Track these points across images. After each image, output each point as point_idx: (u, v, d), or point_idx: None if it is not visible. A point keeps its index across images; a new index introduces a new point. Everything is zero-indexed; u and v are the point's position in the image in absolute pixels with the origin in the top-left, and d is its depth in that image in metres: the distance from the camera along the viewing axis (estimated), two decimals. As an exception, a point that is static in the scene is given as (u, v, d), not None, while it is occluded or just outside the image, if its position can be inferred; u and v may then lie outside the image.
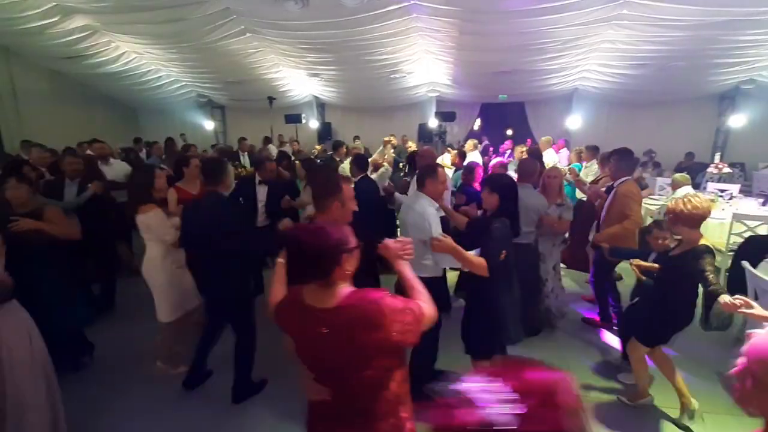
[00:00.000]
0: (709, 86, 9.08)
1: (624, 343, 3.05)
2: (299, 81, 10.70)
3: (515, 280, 2.51)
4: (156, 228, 2.85)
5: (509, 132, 13.41)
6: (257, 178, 4.32)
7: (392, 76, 9.59)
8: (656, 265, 2.75)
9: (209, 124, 12.49)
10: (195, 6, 6.77)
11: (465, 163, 5.50)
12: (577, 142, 9.10)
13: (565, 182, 5.06)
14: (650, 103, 10.06)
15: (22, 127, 8.91)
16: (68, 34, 7.75)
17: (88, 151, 5.97)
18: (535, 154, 6.29)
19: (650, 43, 7.05)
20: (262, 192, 4.27)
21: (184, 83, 11.06)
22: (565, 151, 8.02)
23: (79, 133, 9.02)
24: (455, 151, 6.62)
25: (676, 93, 9.48)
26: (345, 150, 7.24)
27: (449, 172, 5.36)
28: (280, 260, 1.55)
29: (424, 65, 9.15)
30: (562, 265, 3.96)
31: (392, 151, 7.05)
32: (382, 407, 1.34)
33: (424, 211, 2.53)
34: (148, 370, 3.18)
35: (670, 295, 2.45)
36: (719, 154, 9.15)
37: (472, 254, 2.21)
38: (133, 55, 9.23)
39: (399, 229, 3.17)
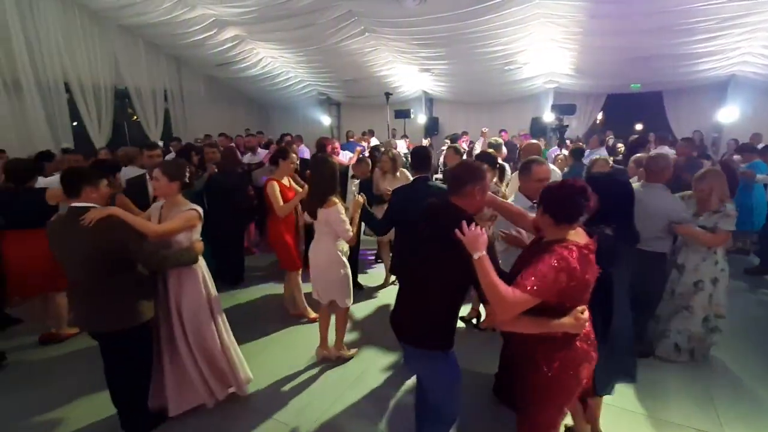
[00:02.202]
0: None
1: None
2: (410, 77, 10.95)
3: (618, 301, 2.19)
4: (335, 223, 2.89)
5: (638, 126, 11.88)
6: (350, 172, 4.50)
7: (506, 68, 9.23)
8: None
9: (326, 120, 13.56)
10: (322, 11, 7.42)
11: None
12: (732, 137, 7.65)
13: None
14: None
15: (186, 123, 10.87)
16: (222, 44, 9.16)
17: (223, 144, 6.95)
18: (578, 154, 5.51)
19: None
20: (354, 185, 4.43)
21: (307, 83, 12.20)
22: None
23: (225, 128, 10.62)
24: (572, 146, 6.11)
25: None
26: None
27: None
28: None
29: (543, 55, 8.60)
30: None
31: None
32: None
33: None
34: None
35: None
36: None
37: None
38: (269, 60, 10.50)
39: None
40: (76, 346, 3.55)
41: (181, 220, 2.38)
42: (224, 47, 9.28)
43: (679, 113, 9.93)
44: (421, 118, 12.29)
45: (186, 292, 2.48)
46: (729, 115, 8.71)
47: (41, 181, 3.67)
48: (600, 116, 11.39)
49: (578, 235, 1.67)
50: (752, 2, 5.64)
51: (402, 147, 9.28)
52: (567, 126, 6.77)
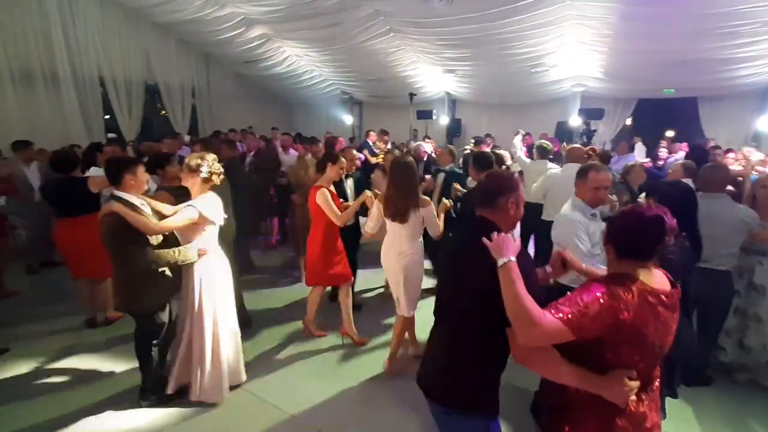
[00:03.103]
0: None
1: None
2: (434, 78, 10.88)
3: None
4: (431, 219, 2.85)
5: (670, 133, 11.45)
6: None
7: (533, 70, 9.04)
8: None
9: (348, 119, 13.61)
10: (349, 11, 7.46)
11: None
12: (772, 147, 7.28)
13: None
14: None
15: (212, 119, 11.13)
16: (249, 42, 9.34)
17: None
18: (604, 160, 5.02)
19: None
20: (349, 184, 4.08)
21: (331, 82, 12.29)
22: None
23: (250, 124, 10.80)
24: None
25: None
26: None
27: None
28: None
29: (572, 57, 8.39)
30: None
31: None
32: None
33: (565, 216, 2.36)
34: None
35: None
36: None
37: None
38: (295, 58, 10.64)
39: None
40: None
41: (179, 217, 2.46)
42: (252, 45, 9.46)
43: (716, 120, 9.50)
44: (443, 119, 12.18)
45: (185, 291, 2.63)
46: (768, 123, 8.30)
47: (93, 170, 4.05)
48: (629, 121, 11.04)
49: (652, 278, 1.33)
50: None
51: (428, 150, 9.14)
52: (595, 131, 6.56)
